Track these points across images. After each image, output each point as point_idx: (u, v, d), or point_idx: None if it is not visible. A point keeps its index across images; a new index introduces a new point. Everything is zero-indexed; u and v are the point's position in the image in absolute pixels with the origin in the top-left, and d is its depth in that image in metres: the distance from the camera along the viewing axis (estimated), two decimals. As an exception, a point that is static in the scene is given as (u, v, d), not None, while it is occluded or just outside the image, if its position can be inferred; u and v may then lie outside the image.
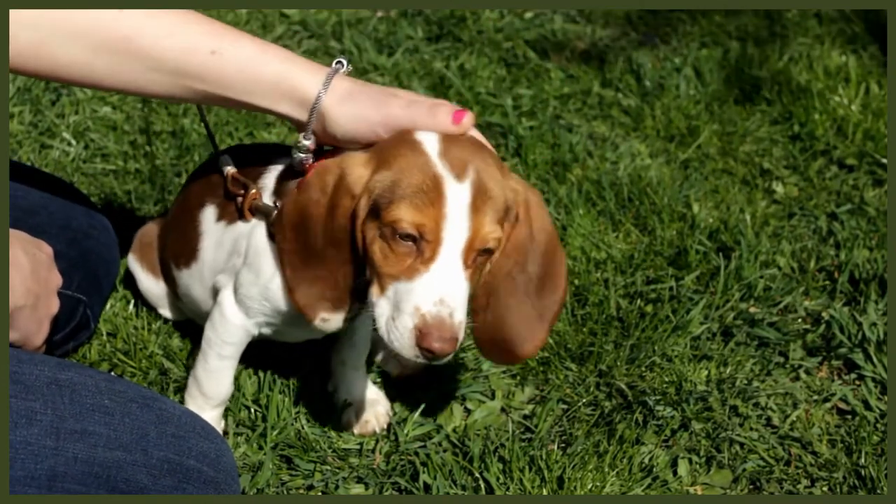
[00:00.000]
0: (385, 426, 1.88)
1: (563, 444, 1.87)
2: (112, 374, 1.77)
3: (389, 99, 1.51)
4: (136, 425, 1.41)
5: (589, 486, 1.75)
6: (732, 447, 1.88)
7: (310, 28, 3.17)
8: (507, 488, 1.74)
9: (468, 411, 1.95)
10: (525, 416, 1.94)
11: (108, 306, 2.03)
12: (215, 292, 1.75)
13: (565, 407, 1.95)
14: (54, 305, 1.56)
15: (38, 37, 1.49)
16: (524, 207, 1.52)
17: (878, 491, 1.80)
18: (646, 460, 1.83)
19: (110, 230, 1.97)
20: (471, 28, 3.25)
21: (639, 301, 2.19)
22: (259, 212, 1.63)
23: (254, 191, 1.63)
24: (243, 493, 1.71)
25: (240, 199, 1.65)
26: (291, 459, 1.79)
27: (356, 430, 1.87)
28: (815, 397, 2.02)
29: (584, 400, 1.95)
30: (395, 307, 1.45)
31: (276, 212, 1.60)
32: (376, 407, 1.89)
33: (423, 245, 1.43)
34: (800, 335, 2.14)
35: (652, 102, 2.92)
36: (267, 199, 1.63)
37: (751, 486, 1.84)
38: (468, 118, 1.50)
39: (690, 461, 1.85)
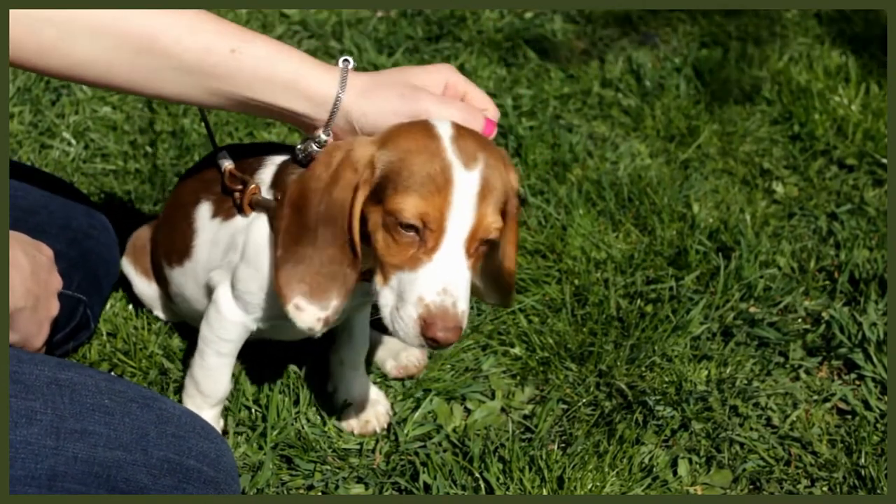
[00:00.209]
0: (385, 426, 1.88)
1: (563, 444, 1.87)
2: (112, 374, 1.77)
3: (419, 94, 1.53)
4: (136, 425, 1.41)
5: (589, 486, 1.75)
6: (732, 447, 1.89)
7: (310, 28, 3.17)
8: (507, 488, 1.75)
9: (468, 411, 1.95)
10: (525, 416, 1.94)
11: (108, 306, 2.03)
12: (209, 291, 1.74)
13: (565, 407, 1.95)
14: (54, 307, 1.56)
15: (59, 34, 1.49)
16: (516, 203, 1.55)
17: (878, 491, 1.80)
18: (646, 460, 1.83)
19: (110, 230, 1.97)
20: (471, 28, 3.25)
21: (639, 301, 2.19)
22: (259, 206, 1.63)
23: (253, 185, 1.63)
24: (243, 493, 1.71)
25: (238, 194, 1.65)
26: (291, 459, 1.79)
27: (356, 431, 1.87)
28: (815, 397, 2.02)
29: (584, 400, 1.95)
30: (399, 297, 1.45)
31: (276, 205, 1.59)
32: (377, 407, 1.89)
33: (426, 234, 1.43)
34: (800, 335, 2.14)
35: (652, 102, 2.92)
36: (265, 193, 1.64)
37: (751, 486, 1.84)
38: (494, 130, 1.56)
39: (690, 461, 1.85)
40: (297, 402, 1.89)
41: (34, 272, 1.50)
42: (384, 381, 1.99)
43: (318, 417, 1.88)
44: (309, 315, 1.53)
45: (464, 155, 1.43)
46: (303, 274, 1.52)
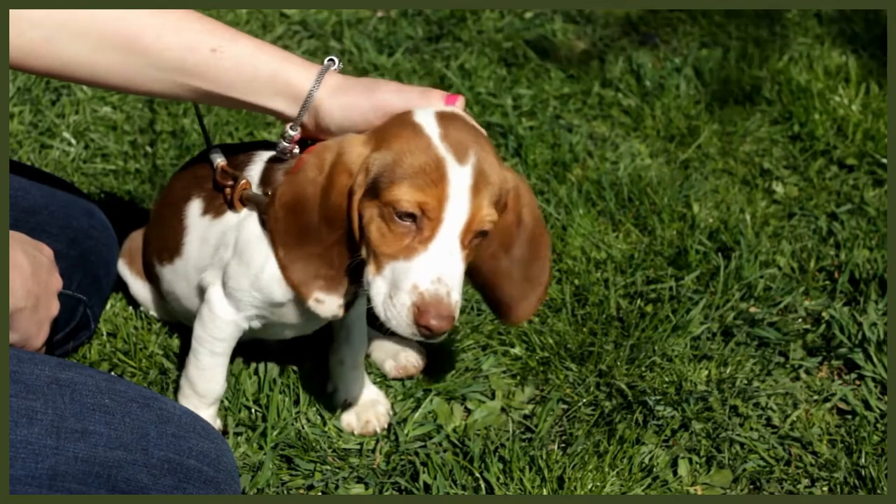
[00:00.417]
0: (386, 426, 1.88)
1: (563, 444, 1.87)
2: (112, 374, 1.77)
3: (379, 85, 1.55)
4: (136, 425, 1.41)
5: (589, 486, 1.75)
6: (732, 447, 1.89)
7: (310, 28, 3.17)
8: (507, 488, 1.75)
9: (468, 411, 1.95)
10: (525, 416, 1.94)
11: (108, 306, 2.03)
12: (201, 291, 1.75)
13: (565, 407, 1.95)
14: (54, 308, 1.56)
15: (44, 34, 1.50)
16: (514, 195, 1.57)
17: (878, 491, 1.80)
18: (646, 460, 1.83)
19: (110, 230, 1.98)
20: (471, 28, 3.24)
21: (639, 301, 2.19)
22: (250, 201, 1.64)
23: (244, 181, 1.64)
24: (243, 493, 1.71)
25: (228, 190, 1.66)
26: (291, 459, 1.79)
27: (357, 431, 1.87)
28: (815, 397, 2.02)
29: (584, 400, 1.95)
30: (393, 286, 1.47)
31: (267, 200, 1.61)
32: (377, 407, 1.89)
33: (423, 224, 1.45)
34: (800, 335, 2.14)
35: (652, 102, 2.92)
36: (254, 189, 1.65)
37: (751, 486, 1.84)
38: (460, 101, 1.56)
39: (690, 461, 1.85)
40: (297, 402, 1.89)
41: (34, 272, 1.50)
42: (384, 381, 1.99)
43: (318, 417, 1.88)
44: (330, 305, 1.59)
45: (456, 150, 1.46)
46: (317, 270, 1.56)
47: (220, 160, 1.69)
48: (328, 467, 1.79)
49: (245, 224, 1.64)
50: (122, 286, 2.05)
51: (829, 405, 2.00)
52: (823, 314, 2.18)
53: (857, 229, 2.43)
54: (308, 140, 1.62)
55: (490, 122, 2.75)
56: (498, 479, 1.75)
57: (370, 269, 1.50)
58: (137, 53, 1.54)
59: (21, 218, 1.77)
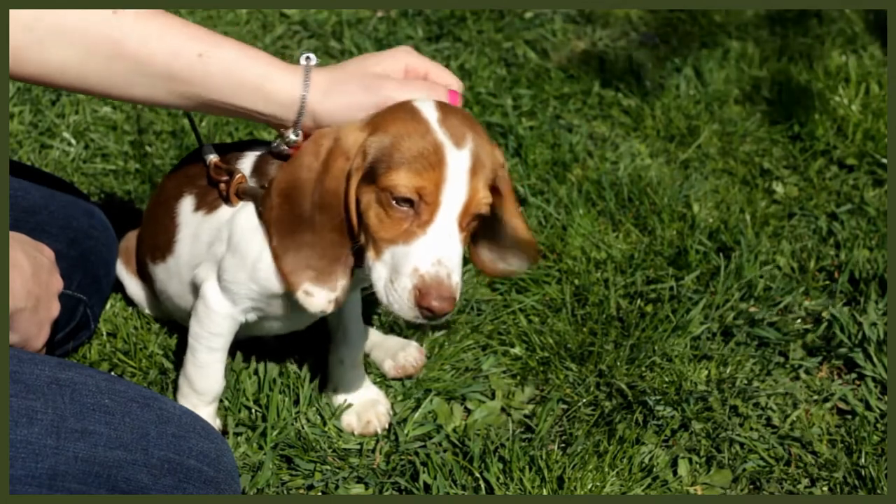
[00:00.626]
0: (386, 426, 1.88)
1: (563, 444, 1.87)
2: (112, 374, 1.77)
3: (381, 82, 1.56)
4: (136, 425, 1.41)
5: (589, 486, 1.75)
6: (732, 447, 1.89)
7: (310, 28, 3.17)
8: (507, 488, 1.75)
9: (468, 411, 1.95)
10: (525, 416, 1.94)
11: (107, 306, 2.03)
12: (195, 288, 1.75)
13: (565, 407, 1.95)
14: (55, 309, 1.56)
15: (32, 38, 1.50)
16: (505, 171, 1.59)
17: (878, 491, 1.80)
18: (646, 460, 1.83)
19: (110, 230, 1.98)
20: (471, 28, 3.25)
21: (639, 301, 2.19)
22: (246, 194, 1.65)
23: (240, 175, 1.65)
24: (243, 493, 1.71)
25: (223, 185, 1.67)
26: (291, 459, 1.79)
27: (357, 431, 1.86)
28: (815, 397, 2.02)
29: (584, 400, 1.95)
30: (394, 270, 1.48)
31: (263, 192, 1.61)
32: (377, 407, 1.89)
33: (421, 208, 1.46)
34: (800, 335, 2.14)
35: (652, 102, 2.92)
36: (249, 182, 1.66)
37: (751, 486, 1.84)
38: (461, 100, 1.61)
39: (690, 461, 1.85)
40: (297, 402, 1.89)
41: (35, 273, 1.50)
42: (384, 381, 1.99)
43: (318, 417, 1.88)
44: (319, 299, 1.58)
45: (453, 134, 1.48)
46: (307, 260, 1.56)
47: (212, 157, 1.70)
48: (328, 467, 1.79)
49: (238, 217, 1.65)
50: (120, 286, 2.05)
51: (829, 405, 2.00)
52: (823, 314, 2.18)
53: (857, 229, 2.43)
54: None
55: (490, 122, 2.75)
56: (498, 479, 1.75)
57: (370, 255, 1.51)
58: (124, 59, 1.53)
59: (21, 218, 1.77)
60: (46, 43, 1.50)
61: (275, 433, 1.82)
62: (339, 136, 1.52)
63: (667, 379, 2.00)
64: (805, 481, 1.85)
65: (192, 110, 1.64)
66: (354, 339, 1.88)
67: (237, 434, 1.83)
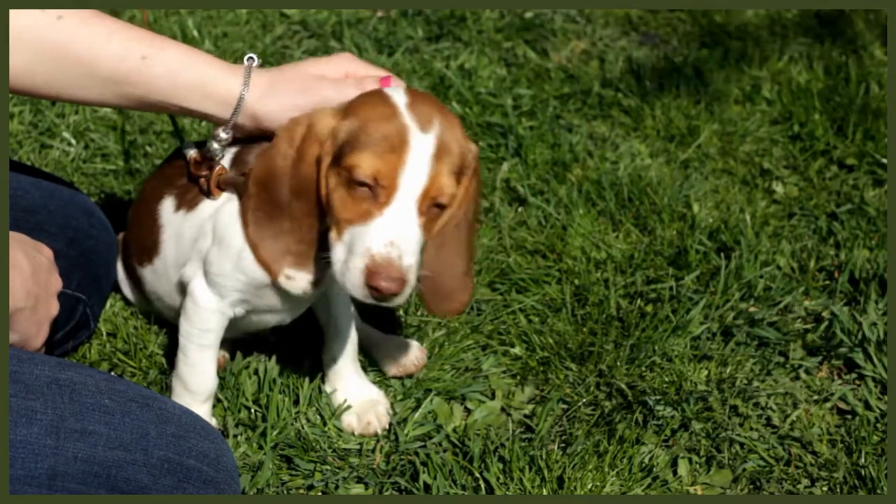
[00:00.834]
0: (387, 426, 1.87)
1: (563, 444, 1.87)
2: (112, 373, 1.77)
3: (318, 84, 1.61)
4: (136, 425, 1.41)
5: (589, 486, 1.75)
6: (732, 447, 1.88)
7: (310, 28, 3.17)
8: (507, 488, 1.74)
9: (468, 411, 1.95)
10: (525, 416, 1.94)
11: (107, 306, 2.03)
12: (182, 288, 1.76)
13: (565, 407, 1.95)
14: (54, 308, 1.56)
15: None
16: (475, 163, 1.61)
17: (878, 491, 1.80)
18: (646, 460, 1.83)
19: (110, 230, 1.98)
20: (471, 28, 3.24)
21: (639, 301, 2.19)
22: (229, 185, 1.67)
23: (219, 167, 1.68)
24: (243, 492, 1.71)
25: (203, 179, 1.69)
26: (291, 459, 1.79)
27: (358, 431, 1.86)
28: (815, 397, 2.02)
29: (584, 400, 1.95)
30: (350, 249, 1.51)
31: (244, 182, 1.64)
32: (377, 407, 1.88)
33: (379, 189, 1.49)
34: (800, 335, 2.14)
35: (652, 102, 2.92)
36: (229, 173, 1.69)
37: (751, 486, 1.84)
38: (395, 80, 1.63)
39: (690, 461, 1.85)
40: (297, 402, 1.89)
41: (34, 273, 1.50)
42: (383, 380, 1.99)
43: (318, 417, 1.88)
44: (300, 282, 1.62)
45: (420, 119, 1.50)
46: (286, 246, 1.60)
47: (191, 152, 1.73)
48: (328, 467, 1.79)
49: (223, 211, 1.67)
50: (119, 286, 2.05)
51: (829, 405, 2.00)
52: (823, 314, 2.18)
53: (857, 229, 2.43)
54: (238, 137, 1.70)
55: (490, 122, 2.75)
56: (498, 479, 1.75)
57: (332, 235, 1.55)
58: (70, 62, 1.58)
59: (20, 217, 1.77)
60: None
61: (275, 433, 1.82)
62: (312, 122, 1.56)
63: (667, 379, 1.99)
64: (805, 481, 1.85)
65: (137, 110, 1.70)
66: (345, 334, 1.88)
67: (237, 434, 1.83)
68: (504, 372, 2.03)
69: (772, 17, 3.45)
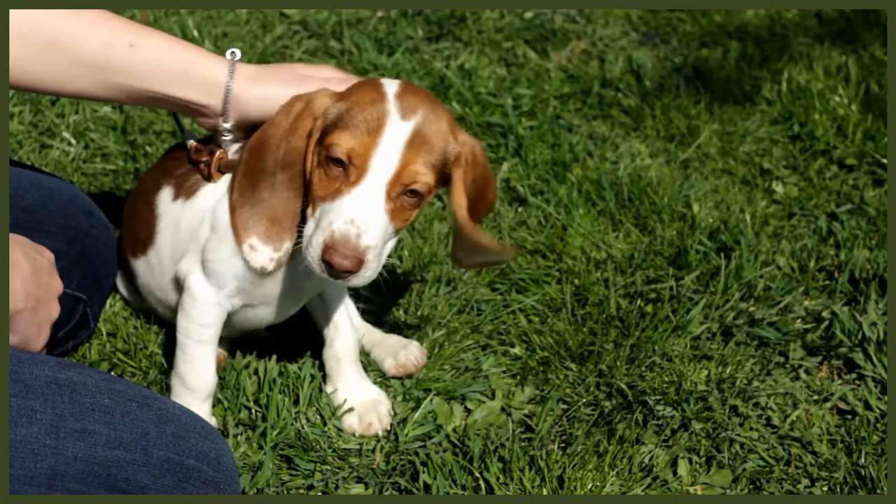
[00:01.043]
0: (388, 427, 1.87)
1: (563, 444, 1.87)
2: (112, 373, 1.77)
3: (303, 79, 1.66)
4: (136, 424, 1.41)
5: (589, 486, 1.75)
6: (732, 447, 1.88)
7: (310, 28, 3.17)
8: (507, 488, 1.74)
9: (468, 411, 1.95)
10: (525, 416, 1.94)
11: (107, 306, 2.03)
12: (177, 283, 1.77)
13: (565, 407, 1.95)
14: (54, 310, 1.56)
15: None
16: (471, 156, 1.64)
17: (878, 491, 1.80)
18: (646, 460, 1.83)
19: (110, 229, 1.98)
20: (471, 28, 3.24)
21: (639, 301, 2.19)
22: (229, 168, 1.71)
23: (220, 151, 1.71)
24: (243, 492, 1.71)
25: (203, 165, 1.72)
26: (291, 459, 1.79)
27: (359, 433, 1.86)
28: (815, 397, 2.02)
29: (584, 400, 1.95)
30: (317, 225, 1.55)
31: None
32: (379, 408, 1.88)
33: (350, 170, 1.53)
34: (800, 335, 2.14)
35: (652, 102, 2.92)
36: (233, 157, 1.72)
37: (751, 486, 1.84)
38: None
39: (690, 461, 1.85)
40: (297, 402, 1.89)
41: (34, 274, 1.50)
42: (383, 380, 1.99)
43: (318, 417, 1.88)
44: (262, 255, 1.64)
45: (403, 107, 1.54)
46: (260, 216, 1.63)
47: (191, 142, 1.76)
48: (328, 467, 1.79)
49: (223, 201, 1.69)
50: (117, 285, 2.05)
51: (829, 405, 2.00)
52: (823, 314, 2.18)
53: (857, 229, 2.43)
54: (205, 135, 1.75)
55: (490, 122, 2.75)
56: (498, 479, 1.75)
57: (308, 211, 1.59)
58: (59, 51, 1.61)
59: (20, 217, 1.77)
60: None
61: (275, 433, 1.82)
62: (311, 99, 1.61)
63: (667, 379, 1.99)
64: (805, 481, 1.85)
65: (122, 102, 1.72)
66: (346, 333, 1.88)
67: (237, 434, 1.83)
68: (504, 372, 2.03)
69: (772, 17, 3.45)
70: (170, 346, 1.99)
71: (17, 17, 1.58)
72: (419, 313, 2.13)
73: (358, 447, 1.84)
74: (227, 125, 1.69)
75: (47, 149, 2.53)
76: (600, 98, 2.95)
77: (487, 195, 1.72)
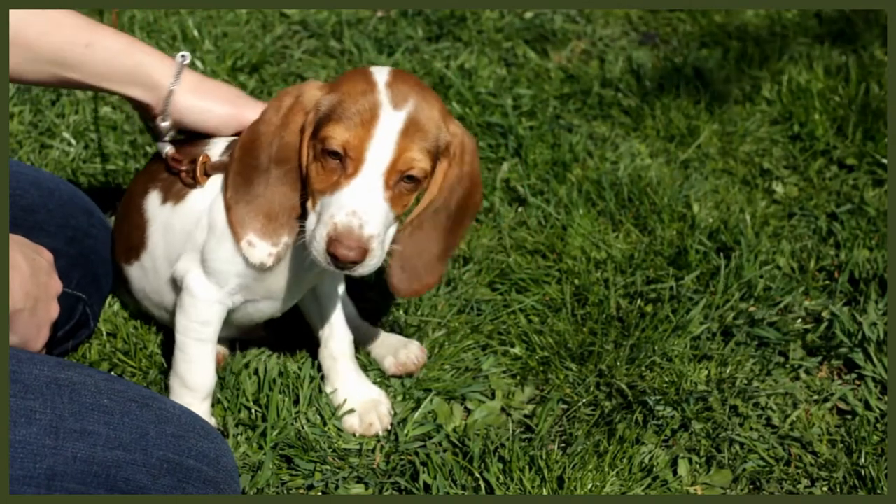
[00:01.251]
0: (389, 427, 1.87)
1: (563, 444, 1.87)
2: (112, 373, 1.76)
3: (241, 100, 1.74)
4: (135, 425, 1.41)
5: (589, 486, 1.75)
6: (732, 447, 1.88)
7: (310, 28, 3.17)
8: (507, 488, 1.74)
9: (468, 411, 1.95)
10: (525, 416, 1.94)
11: (107, 306, 2.03)
12: (174, 284, 1.77)
13: (565, 407, 1.95)
14: (54, 310, 1.56)
15: None
16: (460, 149, 1.65)
17: (878, 491, 1.80)
18: (646, 460, 1.83)
19: (110, 229, 1.98)
20: (471, 28, 3.24)
21: (639, 301, 2.19)
22: (216, 169, 1.72)
23: (202, 156, 1.73)
24: (243, 492, 1.71)
25: (184, 173, 1.73)
26: (291, 459, 1.79)
27: (359, 433, 1.86)
28: (815, 397, 2.02)
29: (584, 400, 1.95)
30: (318, 218, 1.56)
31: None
32: (379, 408, 1.88)
33: (347, 162, 1.54)
34: (800, 335, 2.14)
35: (652, 102, 2.92)
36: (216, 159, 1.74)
37: (751, 486, 1.84)
38: None
39: (690, 461, 1.85)
40: (297, 402, 1.89)
41: (33, 275, 1.50)
42: (383, 379, 1.98)
43: (318, 417, 1.88)
44: (260, 251, 1.66)
45: (394, 96, 1.55)
46: (256, 212, 1.64)
47: (168, 149, 1.77)
48: (328, 467, 1.79)
49: (218, 201, 1.69)
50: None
51: (829, 405, 2.00)
52: (823, 314, 2.18)
53: (857, 229, 2.43)
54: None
55: (490, 122, 2.75)
56: (498, 479, 1.75)
57: (309, 205, 1.60)
58: (19, 47, 1.67)
59: (20, 217, 1.78)
60: None
61: (275, 433, 1.82)
62: (301, 93, 1.62)
63: (667, 379, 1.99)
64: (805, 481, 1.85)
65: (67, 88, 1.85)
66: (341, 332, 1.88)
67: (237, 434, 1.83)
68: (504, 372, 2.03)
69: (772, 17, 3.45)
70: (169, 346, 1.99)
71: None
72: (419, 313, 2.13)
73: (358, 447, 1.84)
74: (166, 124, 1.75)
75: (47, 149, 2.53)
76: (600, 98, 2.95)
77: (474, 197, 1.72)
